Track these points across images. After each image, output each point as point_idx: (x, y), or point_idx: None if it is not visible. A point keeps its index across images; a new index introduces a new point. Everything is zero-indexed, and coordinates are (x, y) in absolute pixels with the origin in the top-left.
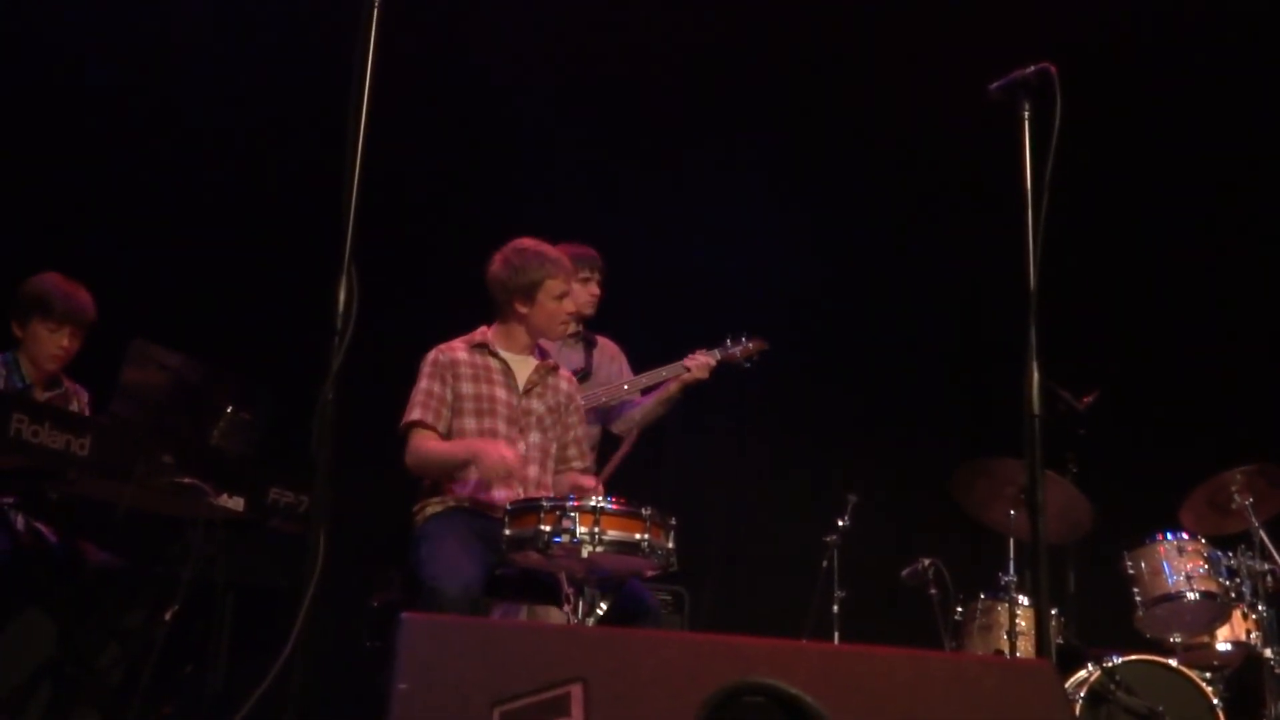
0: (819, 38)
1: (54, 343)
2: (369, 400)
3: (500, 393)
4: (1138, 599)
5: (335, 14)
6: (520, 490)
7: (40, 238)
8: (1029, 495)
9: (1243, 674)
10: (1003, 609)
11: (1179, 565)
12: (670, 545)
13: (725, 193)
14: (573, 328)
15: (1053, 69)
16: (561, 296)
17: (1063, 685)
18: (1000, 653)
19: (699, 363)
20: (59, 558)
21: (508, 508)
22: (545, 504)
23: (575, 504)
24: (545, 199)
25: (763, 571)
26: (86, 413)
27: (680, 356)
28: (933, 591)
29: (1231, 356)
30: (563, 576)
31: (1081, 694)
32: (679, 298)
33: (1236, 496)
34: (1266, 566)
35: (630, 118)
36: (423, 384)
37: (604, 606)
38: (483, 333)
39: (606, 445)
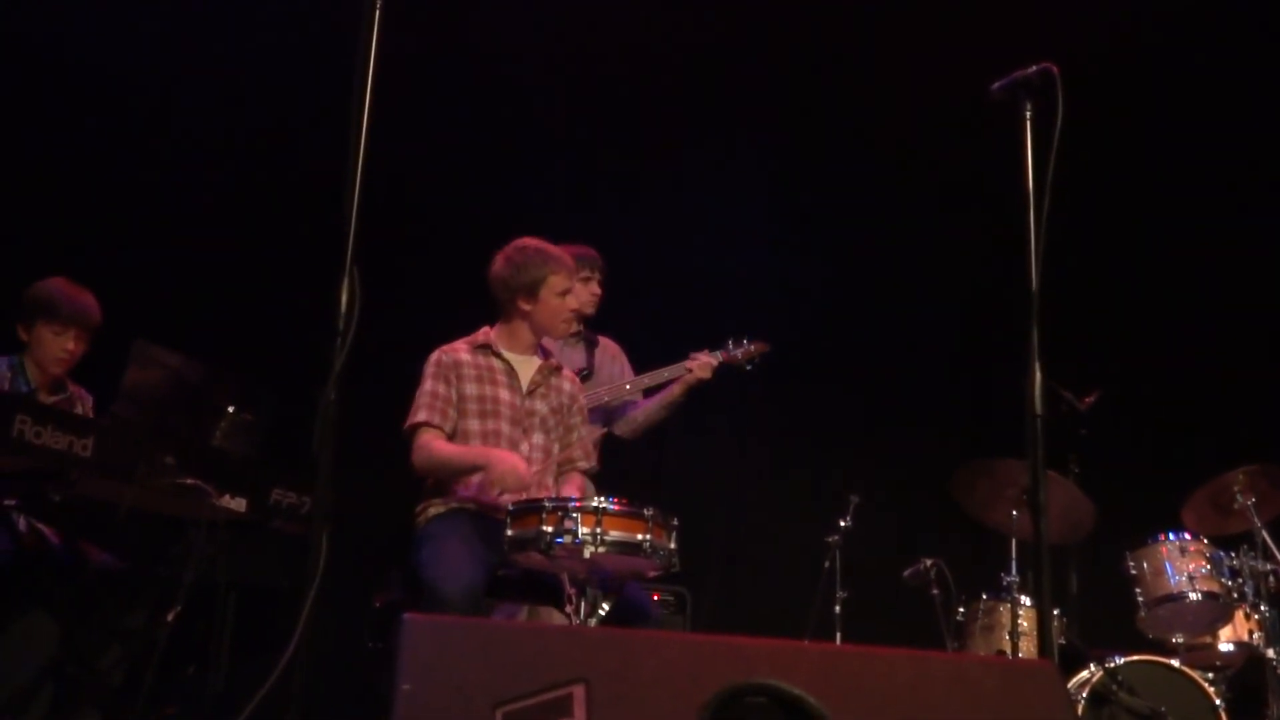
0: (819, 37)
1: (59, 346)
2: (371, 401)
3: (504, 394)
4: (1140, 599)
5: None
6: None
7: (42, 239)
8: (1031, 496)
9: (1245, 674)
10: (1005, 609)
11: (1181, 566)
12: (672, 546)
13: (726, 193)
14: (574, 327)
15: (1055, 69)
16: (564, 294)
17: (1065, 686)
18: (1002, 653)
19: (701, 362)
20: (61, 559)
21: (510, 508)
22: (547, 505)
23: (577, 505)
24: (546, 199)
25: (764, 572)
26: (91, 416)
27: (681, 357)
28: (934, 592)
29: (1233, 357)
30: (565, 577)
31: (1084, 695)
32: (679, 298)
33: (1239, 497)
34: (1269, 567)
35: (631, 117)
36: (427, 385)
37: (606, 607)
38: (485, 333)
39: (609, 446)
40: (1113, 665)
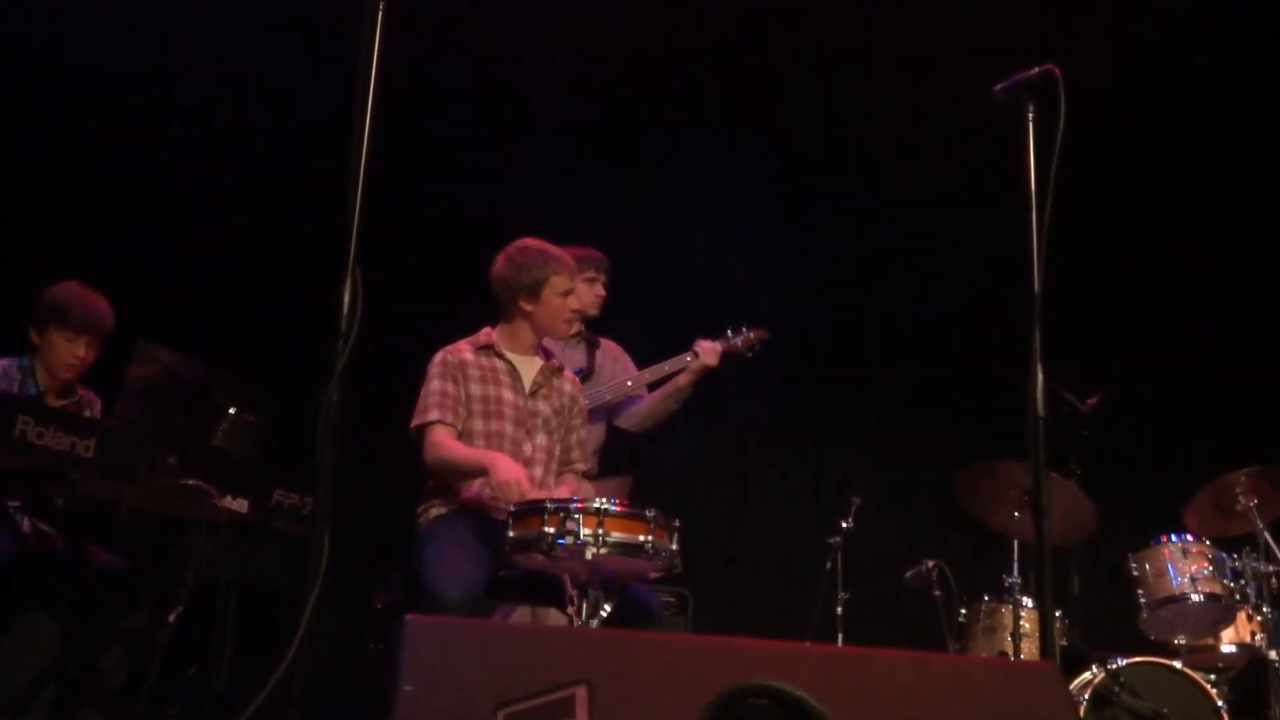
0: (820, 37)
1: (70, 352)
2: (373, 402)
3: (507, 394)
4: (1142, 601)
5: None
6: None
7: (43, 240)
8: (1033, 497)
9: (1247, 676)
10: (1007, 611)
11: (1183, 567)
12: (674, 547)
13: (727, 192)
14: (576, 327)
15: (1057, 70)
16: (566, 294)
17: (1067, 687)
18: (1004, 655)
19: (707, 348)
20: (63, 559)
21: (511, 510)
22: (549, 506)
23: (579, 506)
24: (547, 199)
25: (766, 573)
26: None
27: (681, 351)
28: (936, 593)
29: (1236, 358)
30: (566, 578)
31: (1086, 696)
32: (679, 298)
33: (1241, 498)
34: (1271, 568)
35: (631, 117)
36: (435, 384)
37: (608, 608)
38: (487, 334)
39: (609, 447)
40: (1115, 667)
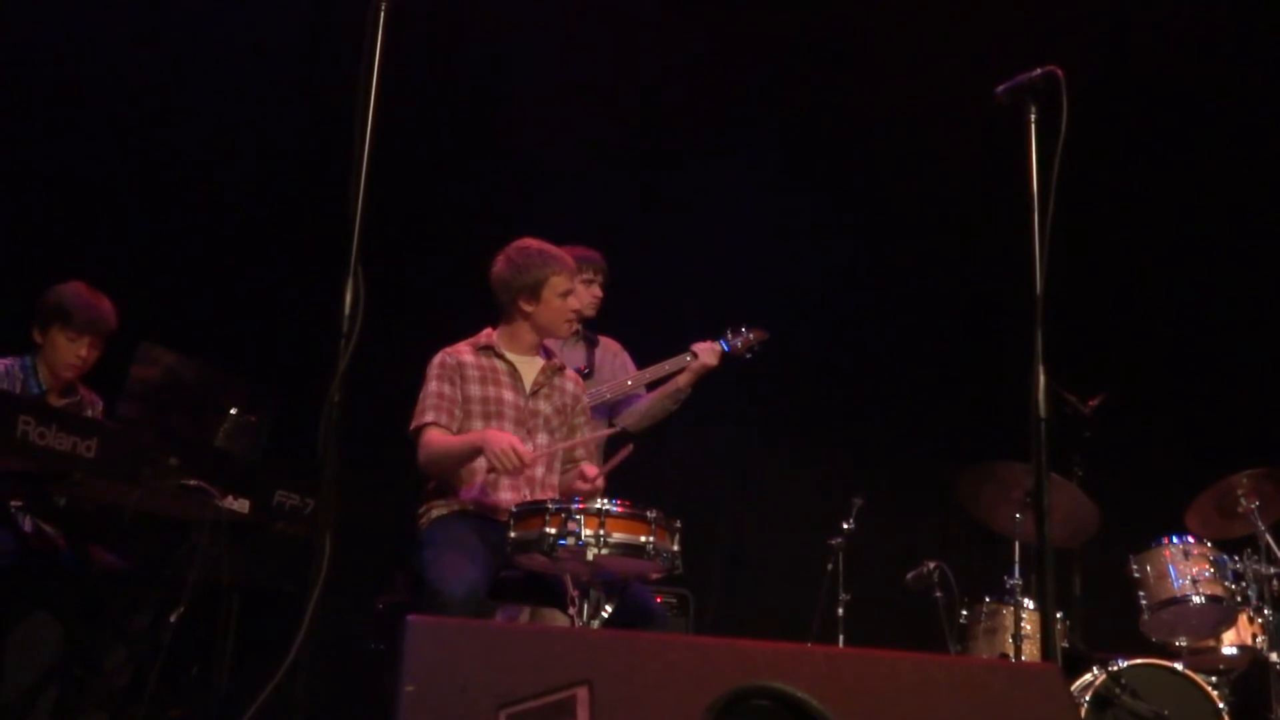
0: (823, 37)
1: (72, 352)
2: (375, 402)
3: (507, 394)
4: (1143, 602)
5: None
6: (526, 492)
7: (45, 241)
8: (1035, 499)
9: (1248, 678)
10: (1008, 612)
11: (1185, 569)
12: (675, 548)
13: (728, 193)
14: (575, 327)
15: (1060, 72)
16: (566, 294)
17: (1068, 689)
18: (1006, 656)
19: (706, 348)
20: (66, 561)
21: (513, 510)
22: (551, 506)
23: (580, 506)
24: (547, 200)
25: (767, 574)
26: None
27: (681, 351)
28: (938, 595)
29: (1238, 360)
30: (568, 579)
31: (1087, 698)
32: (679, 298)
33: (1242, 500)
34: (1272, 570)
35: (632, 117)
36: (432, 386)
37: (609, 609)
38: (488, 335)
39: (612, 447)
40: (1116, 668)
